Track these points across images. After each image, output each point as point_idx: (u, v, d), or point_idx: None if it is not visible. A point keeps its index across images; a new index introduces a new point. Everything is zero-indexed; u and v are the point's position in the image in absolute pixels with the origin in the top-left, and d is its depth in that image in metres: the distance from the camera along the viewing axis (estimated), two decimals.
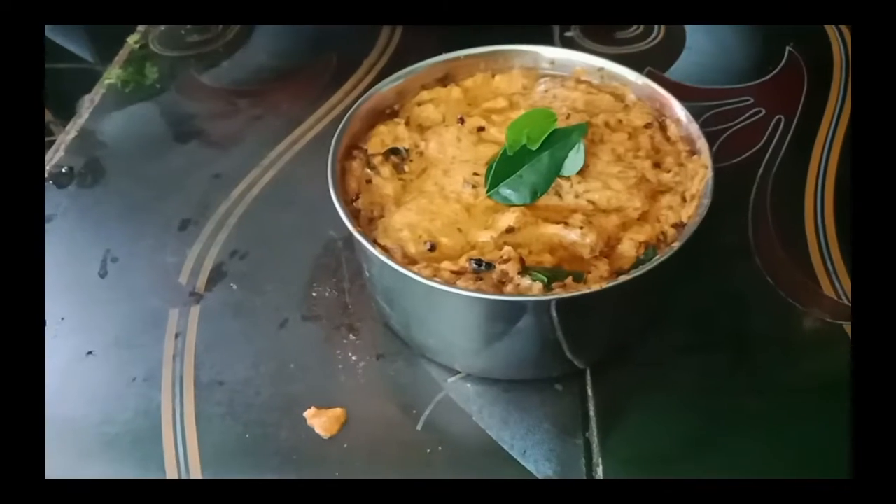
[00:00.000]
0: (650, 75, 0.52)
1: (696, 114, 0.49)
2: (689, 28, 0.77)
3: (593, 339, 0.46)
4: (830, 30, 0.76)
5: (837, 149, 0.62)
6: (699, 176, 0.45)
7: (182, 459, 0.44)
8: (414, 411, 0.46)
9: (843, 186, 0.59)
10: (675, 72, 0.71)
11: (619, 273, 0.41)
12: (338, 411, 0.45)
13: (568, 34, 0.77)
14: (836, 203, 0.57)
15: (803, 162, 0.61)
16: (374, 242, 0.43)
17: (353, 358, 0.49)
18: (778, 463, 0.43)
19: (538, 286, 0.40)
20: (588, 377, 0.47)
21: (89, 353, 0.51)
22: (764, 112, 0.66)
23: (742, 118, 0.65)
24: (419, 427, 0.45)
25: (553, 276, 0.41)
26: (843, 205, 0.57)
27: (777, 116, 0.65)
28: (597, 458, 0.44)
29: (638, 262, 0.42)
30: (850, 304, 0.50)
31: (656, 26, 0.77)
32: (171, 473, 0.44)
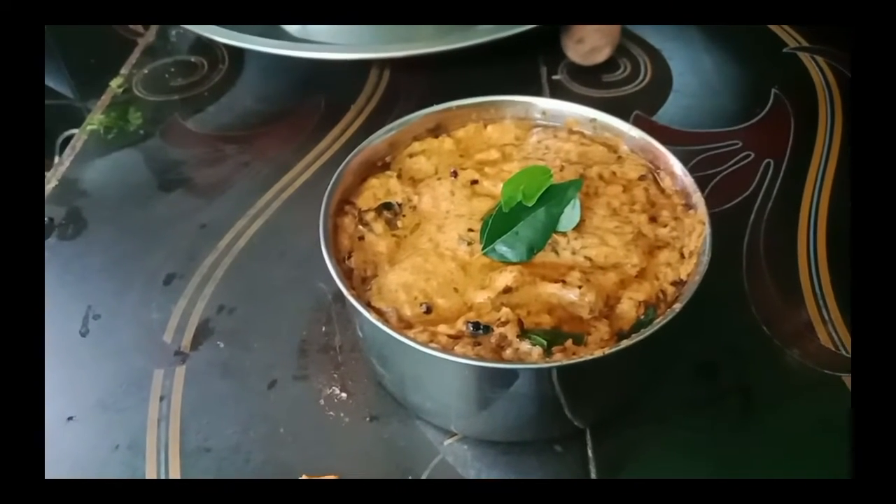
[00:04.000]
0: (638, 119, 0.52)
1: (685, 159, 0.49)
2: (675, 70, 0.77)
3: (594, 400, 0.45)
4: (812, 67, 0.77)
5: (827, 191, 0.63)
6: (696, 232, 0.44)
7: None
8: (410, 476, 0.45)
9: (834, 229, 0.59)
10: (664, 115, 0.72)
11: (619, 335, 0.40)
12: (331, 478, 0.44)
13: (556, 77, 0.77)
14: (828, 247, 0.57)
15: (794, 206, 0.61)
16: (369, 305, 0.42)
17: (347, 420, 0.48)
18: None
19: (538, 351, 0.39)
20: (588, 437, 0.46)
21: (70, 418, 0.49)
22: (753, 156, 0.66)
23: (731, 162, 0.66)
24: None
25: (552, 338, 0.40)
26: (836, 248, 0.57)
27: (766, 160, 0.65)
28: None
29: (638, 323, 0.41)
30: (847, 356, 0.50)
31: (643, 67, 0.78)
32: None
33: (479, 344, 0.40)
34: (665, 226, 0.46)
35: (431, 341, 0.39)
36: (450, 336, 0.40)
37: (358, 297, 0.41)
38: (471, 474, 0.45)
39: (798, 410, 0.47)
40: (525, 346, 0.39)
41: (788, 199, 0.62)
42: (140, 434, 0.47)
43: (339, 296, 0.53)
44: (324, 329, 0.53)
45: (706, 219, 0.44)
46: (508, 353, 0.39)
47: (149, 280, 0.58)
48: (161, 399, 0.49)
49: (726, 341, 0.51)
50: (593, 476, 0.44)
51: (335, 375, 0.50)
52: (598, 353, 0.37)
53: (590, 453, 0.45)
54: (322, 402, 0.49)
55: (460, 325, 0.41)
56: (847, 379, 0.48)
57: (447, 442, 0.46)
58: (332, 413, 0.48)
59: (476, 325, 0.40)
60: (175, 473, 0.45)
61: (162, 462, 0.46)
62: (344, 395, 0.49)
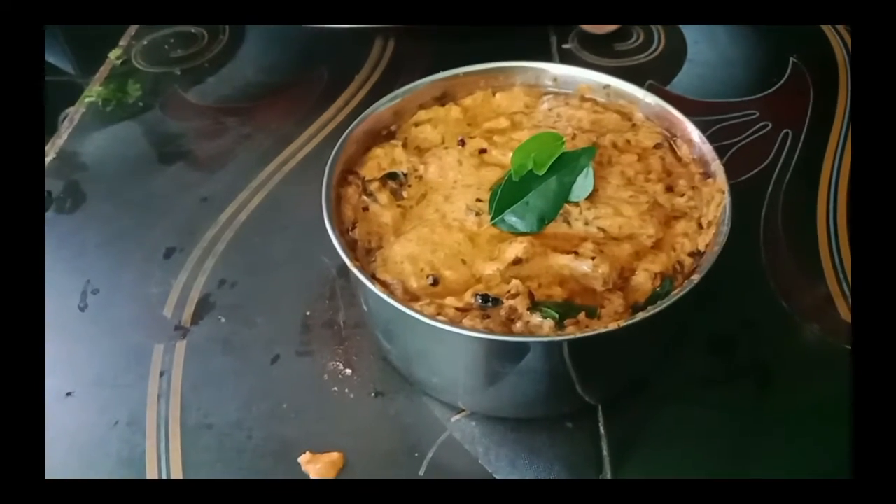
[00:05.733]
0: (651, 89, 0.50)
1: (700, 129, 0.47)
2: (689, 39, 0.75)
3: (607, 375, 0.43)
4: (833, 37, 0.74)
5: (847, 162, 0.60)
6: (715, 201, 0.43)
7: None
8: (416, 454, 0.43)
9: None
10: (678, 85, 0.69)
11: (634, 307, 0.39)
12: (334, 456, 0.43)
13: (566, 46, 0.74)
14: (849, 219, 0.55)
15: (814, 177, 0.59)
16: (373, 277, 0.40)
17: (351, 396, 0.46)
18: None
19: (549, 324, 0.37)
20: (600, 414, 0.45)
21: (69, 394, 0.48)
22: (771, 126, 0.64)
23: (748, 133, 0.63)
24: (422, 471, 0.43)
25: (564, 311, 0.38)
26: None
27: (784, 130, 0.63)
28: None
29: (654, 295, 0.39)
30: None
31: (656, 36, 0.75)
32: None
33: (489, 317, 0.38)
34: (682, 195, 0.44)
35: (438, 314, 0.38)
36: (458, 309, 0.39)
37: (362, 269, 0.40)
38: (479, 451, 0.43)
39: (817, 386, 0.46)
40: (536, 318, 0.38)
41: (807, 171, 0.60)
42: (140, 410, 0.46)
43: (344, 269, 0.52)
44: (327, 304, 0.52)
45: (726, 187, 0.42)
46: (519, 326, 0.38)
47: (148, 254, 0.56)
48: (161, 375, 0.48)
49: (743, 316, 0.49)
50: (605, 453, 0.43)
51: (339, 351, 0.49)
52: (612, 326, 0.36)
53: (601, 430, 0.44)
54: (326, 377, 0.47)
55: (468, 297, 0.39)
56: None
57: (454, 418, 0.45)
58: (335, 389, 0.47)
59: (485, 298, 0.39)
60: (175, 450, 0.44)
61: (163, 439, 0.45)
62: (348, 370, 0.48)
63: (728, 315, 0.49)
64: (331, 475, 0.42)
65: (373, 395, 0.46)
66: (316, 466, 0.42)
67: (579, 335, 0.36)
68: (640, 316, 0.36)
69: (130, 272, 0.55)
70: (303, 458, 0.42)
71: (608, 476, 0.42)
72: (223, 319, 0.51)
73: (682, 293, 0.37)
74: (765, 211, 0.56)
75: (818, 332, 0.48)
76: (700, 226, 0.42)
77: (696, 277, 0.38)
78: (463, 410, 0.45)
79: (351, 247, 0.43)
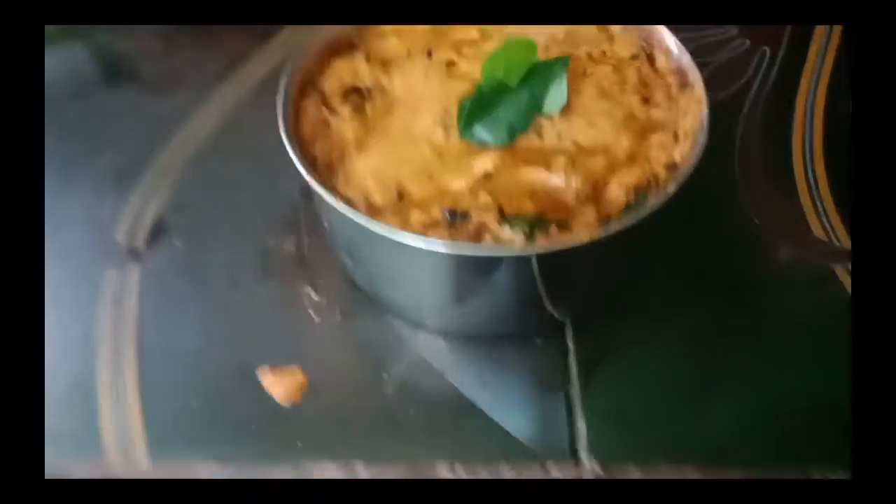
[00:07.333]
0: None
1: None
2: None
3: (577, 291, 0.42)
4: None
5: (825, 83, 0.59)
6: (693, 112, 0.41)
7: (123, 438, 0.40)
8: (383, 374, 0.42)
9: (832, 123, 0.55)
10: None
11: (607, 220, 0.37)
12: (298, 374, 0.41)
13: None
14: (825, 140, 0.54)
15: (790, 97, 0.58)
16: (335, 192, 0.38)
17: (316, 319, 0.45)
18: (770, 415, 0.41)
19: (520, 237, 0.36)
20: (569, 330, 0.44)
21: None
22: (748, 44, 0.62)
23: (725, 51, 0.61)
24: (388, 390, 0.42)
25: (535, 224, 0.37)
26: (832, 142, 0.54)
27: (762, 48, 0.61)
28: (577, 413, 0.41)
29: (628, 209, 0.38)
30: (840, 246, 0.48)
31: None
32: (111, 455, 0.39)
33: (456, 232, 0.37)
34: (658, 107, 0.43)
35: (403, 229, 0.36)
36: (424, 224, 0.37)
37: (323, 183, 0.37)
38: (447, 369, 0.42)
39: (789, 305, 0.46)
40: (506, 232, 0.36)
41: (784, 90, 0.58)
42: (91, 337, 0.44)
43: (306, 191, 0.50)
44: (290, 227, 0.50)
45: (704, 97, 0.41)
46: (488, 240, 0.36)
47: (97, 178, 0.53)
48: (114, 301, 0.46)
49: (715, 233, 0.49)
50: (573, 368, 0.42)
51: (302, 274, 0.47)
52: (585, 238, 0.34)
53: (570, 345, 0.43)
54: (289, 301, 0.46)
55: (435, 212, 0.37)
56: (839, 270, 0.46)
57: (422, 338, 0.44)
58: (299, 312, 0.45)
59: (453, 213, 0.37)
60: (131, 377, 0.42)
61: (117, 366, 0.43)
62: (312, 294, 0.46)
63: (700, 233, 0.48)
64: (296, 396, 0.40)
65: (338, 317, 0.45)
66: (279, 386, 0.40)
67: (551, 248, 0.35)
68: (615, 227, 0.35)
69: (79, 196, 0.52)
70: (264, 376, 0.41)
71: (576, 390, 0.42)
72: (179, 244, 0.49)
73: (657, 203, 0.36)
74: (740, 129, 0.55)
75: (791, 250, 0.48)
76: (676, 138, 0.41)
77: (671, 187, 0.36)
78: (430, 329, 0.44)
79: (311, 163, 0.40)
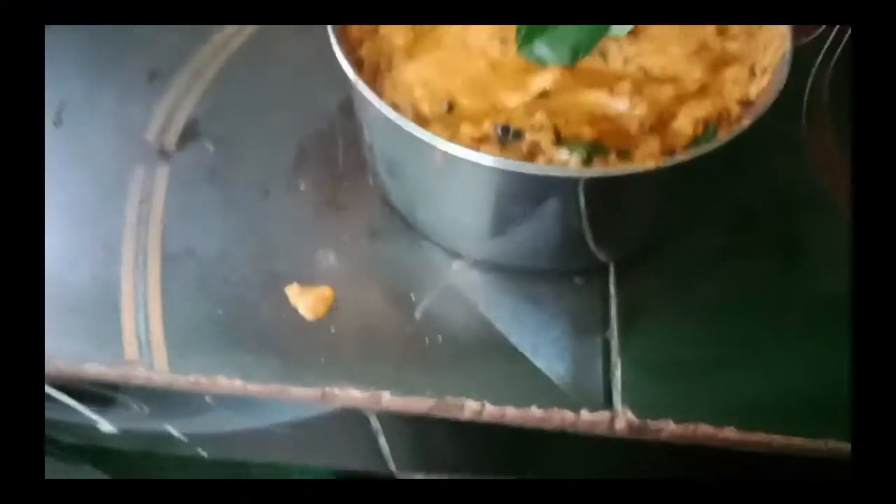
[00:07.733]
0: None
1: None
2: None
3: (627, 228, 0.40)
4: None
5: None
6: (773, 47, 0.37)
7: (144, 337, 0.39)
8: (412, 297, 0.41)
9: None
10: None
11: (671, 153, 0.35)
12: (325, 290, 0.40)
13: None
14: None
15: None
16: (381, 97, 0.36)
17: (346, 237, 0.43)
18: (805, 381, 0.39)
19: (576, 160, 0.33)
20: (612, 273, 0.42)
21: None
22: None
23: None
24: (417, 315, 0.40)
25: (593, 150, 0.34)
26: None
27: None
28: (615, 360, 0.39)
29: (696, 142, 0.35)
30: None
31: None
32: (130, 353, 0.38)
33: (508, 151, 0.34)
34: (735, 39, 0.39)
35: (451, 140, 0.34)
36: (473, 139, 0.34)
37: (369, 86, 0.35)
38: (479, 300, 0.40)
39: (847, 273, 0.43)
40: (562, 154, 0.33)
41: None
42: (116, 235, 0.43)
43: (345, 105, 0.47)
44: (325, 141, 0.47)
45: (788, 32, 0.37)
46: (541, 161, 0.34)
47: (129, 76, 0.51)
48: (141, 202, 0.44)
49: (776, 188, 0.45)
50: (613, 313, 0.40)
51: (335, 190, 0.45)
52: (649, 165, 0.32)
53: (612, 290, 0.41)
54: (319, 216, 0.44)
55: (487, 127, 0.35)
56: None
57: (455, 265, 0.42)
58: (329, 228, 0.43)
59: (505, 129, 0.34)
60: (154, 278, 0.41)
61: (140, 265, 0.42)
62: (344, 210, 0.44)
63: (760, 185, 0.45)
64: (321, 311, 0.39)
65: (370, 238, 0.43)
66: (305, 299, 0.39)
67: (609, 173, 0.32)
68: (680, 157, 0.32)
69: (110, 93, 0.50)
70: (290, 290, 0.39)
71: (615, 337, 0.39)
72: (211, 148, 0.47)
73: (729, 138, 0.33)
74: (810, 82, 0.51)
75: None
76: (753, 73, 0.38)
77: (746, 121, 0.33)
78: (465, 258, 0.42)
79: (357, 65, 0.37)
